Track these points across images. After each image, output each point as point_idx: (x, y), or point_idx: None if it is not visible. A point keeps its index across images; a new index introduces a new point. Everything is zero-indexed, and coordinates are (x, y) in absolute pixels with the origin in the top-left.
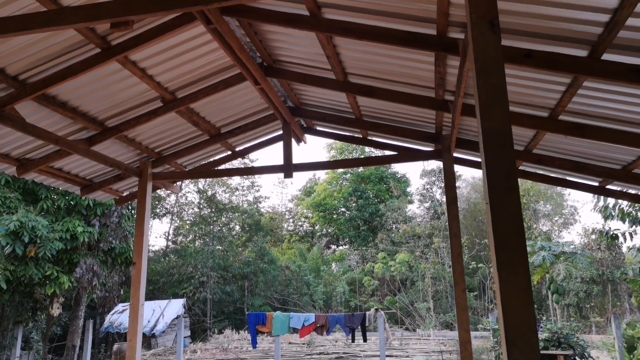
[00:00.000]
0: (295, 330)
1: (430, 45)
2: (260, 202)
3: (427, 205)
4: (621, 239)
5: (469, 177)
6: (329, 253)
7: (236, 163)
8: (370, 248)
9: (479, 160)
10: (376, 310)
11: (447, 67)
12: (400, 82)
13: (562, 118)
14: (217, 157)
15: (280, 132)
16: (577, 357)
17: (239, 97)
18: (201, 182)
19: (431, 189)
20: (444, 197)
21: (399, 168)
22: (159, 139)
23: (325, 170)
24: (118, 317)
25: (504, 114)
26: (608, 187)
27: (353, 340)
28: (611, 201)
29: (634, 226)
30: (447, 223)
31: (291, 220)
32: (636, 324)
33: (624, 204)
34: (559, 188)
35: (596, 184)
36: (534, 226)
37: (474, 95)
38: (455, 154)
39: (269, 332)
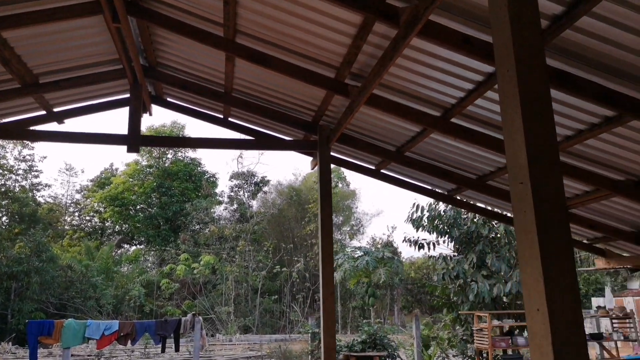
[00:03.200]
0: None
1: (366, 6)
2: (38, 190)
3: (234, 207)
4: (426, 248)
5: (275, 182)
6: (122, 252)
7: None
8: (171, 249)
9: (353, 160)
10: (194, 315)
11: (367, 43)
12: (300, 53)
13: (454, 120)
14: (22, 117)
15: (124, 95)
16: (388, 358)
17: (78, 37)
18: None
19: (239, 191)
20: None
21: (210, 167)
22: None
23: (128, 161)
24: None
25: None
26: (456, 196)
27: (163, 350)
28: (425, 214)
29: (439, 237)
30: (255, 226)
31: (77, 214)
32: (433, 325)
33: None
34: (348, 201)
35: (445, 192)
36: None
37: (500, 67)
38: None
39: (55, 343)
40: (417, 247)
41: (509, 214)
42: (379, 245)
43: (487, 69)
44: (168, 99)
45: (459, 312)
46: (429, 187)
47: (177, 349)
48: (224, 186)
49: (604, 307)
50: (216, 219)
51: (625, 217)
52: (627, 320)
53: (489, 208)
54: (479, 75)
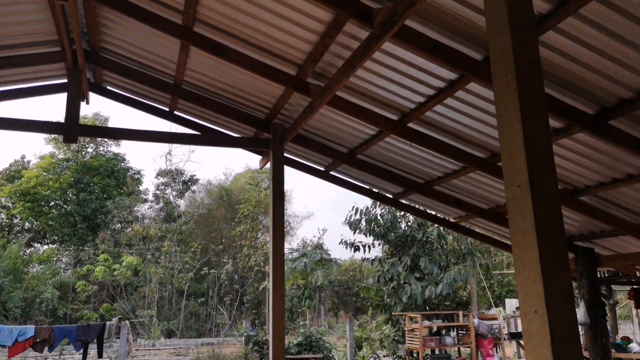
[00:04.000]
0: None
1: (342, 3)
2: None
3: (159, 206)
4: (362, 250)
5: (205, 181)
6: (32, 252)
7: None
8: (88, 249)
9: (301, 161)
10: (120, 319)
11: (335, 42)
12: (262, 47)
13: (410, 125)
14: None
15: (60, 80)
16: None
17: (15, 13)
18: None
19: (166, 189)
20: (180, 199)
21: (135, 163)
22: None
23: (42, 153)
24: None
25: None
26: (401, 200)
27: (85, 357)
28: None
29: (376, 240)
30: (182, 226)
31: None
32: (366, 326)
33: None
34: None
35: (391, 195)
36: (259, 236)
37: (497, 71)
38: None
39: None
40: (353, 249)
41: (450, 219)
42: (308, 248)
43: (449, 76)
44: (108, 87)
45: (392, 313)
46: (376, 190)
47: (100, 355)
48: (149, 184)
49: None
50: (140, 218)
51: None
52: None
53: (433, 212)
54: (441, 82)
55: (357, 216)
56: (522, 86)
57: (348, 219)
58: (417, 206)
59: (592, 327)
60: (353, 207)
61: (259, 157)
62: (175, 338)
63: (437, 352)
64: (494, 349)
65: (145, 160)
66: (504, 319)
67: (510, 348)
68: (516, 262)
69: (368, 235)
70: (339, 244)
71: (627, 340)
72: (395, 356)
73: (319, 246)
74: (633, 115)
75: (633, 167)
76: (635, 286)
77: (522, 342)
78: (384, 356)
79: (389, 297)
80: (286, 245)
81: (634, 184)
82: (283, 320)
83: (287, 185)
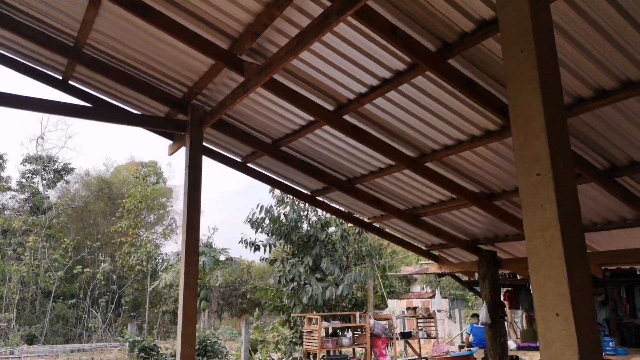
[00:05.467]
0: None
1: None
2: None
3: (25, 196)
4: (262, 249)
5: (82, 171)
6: None
7: None
8: None
9: (215, 149)
10: None
11: (281, 16)
12: (194, 13)
13: (346, 117)
14: None
15: None
16: None
17: None
18: None
19: (34, 177)
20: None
21: None
22: None
23: None
24: None
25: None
26: (318, 197)
27: None
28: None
29: (279, 240)
30: (52, 220)
31: None
32: (263, 329)
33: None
34: (163, 199)
35: (309, 192)
36: (143, 233)
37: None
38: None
39: None
40: (253, 249)
41: (365, 219)
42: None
43: (398, 67)
44: None
45: (292, 314)
46: (293, 185)
47: None
48: (13, 170)
49: (414, 309)
50: (0, 209)
51: (465, 227)
52: (431, 320)
53: (350, 212)
54: (388, 72)
55: (262, 214)
56: (542, 64)
57: (251, 217)
58: (332, 204)
59: (492, 326)
60: (258, 204)
61: (168, 143)
62: (39, 344)
63: (332, 353)
64: (387, 349)
65: (10, 143)
66: (396, 318)
67: (399, 347)
68: (532, 259)
69: (271, 234)
70: (239, 242)
71: None
72: (291, 358)
73: (208, 245)
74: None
75: None
76: (509, 288)
77: (409, 341)
78: (279, 359)
79: (289, 299)
80: (172, 244)
81: None
82: (194, 324)
83: (174, 181)
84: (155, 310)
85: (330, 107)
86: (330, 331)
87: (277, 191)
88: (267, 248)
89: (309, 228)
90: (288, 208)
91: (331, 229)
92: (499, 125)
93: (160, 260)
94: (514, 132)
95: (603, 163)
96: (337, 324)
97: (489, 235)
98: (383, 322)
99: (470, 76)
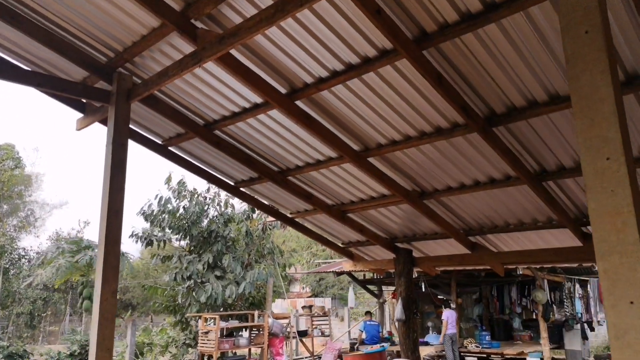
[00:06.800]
0: None
1: None
2: None
3: None
4: (155, 244)
5: None
6: None
7: None
8: None
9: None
10: None
11: None
12: None
13: (299, 103)
14: None
15: None
16: None
17: None
18: None
19: None
20: None
21: None
22: None
23: None
24: None
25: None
26: (242, 188)
27: None
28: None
29: (178, 235)
30: None
31: None
32: (152, 330)
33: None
34: (19, 188)
35: (233, 182)
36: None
37: (570, 29)
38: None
39: None
40: (145, 243)
41: (287, 214)
42: (62, 242)
43: (368, 52)
44: None
45: (186, 315)
46: (216, 174)
47: None
48: None
49: (309, 307)
50: None
51: (387, 224)
52: (326, 319)
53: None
54: (356, 58)
55: (159, 207)
56: (609, 45)
57: (145, 209)
58: (256, 197)
59: (406, 322)
60: (156, 195)
61: (78, 116)
62: None
63: (229, 354)
64: (283, 348)
65: None
66: (294, 317)
67: (291, 346)
68: (601, 245)
69: (168, 228)
70: (129, 237)
71: (391, 334)
72: None
73: (79, 241)
74: (513, 125)
75: (484, 175)
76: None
77: (303, 339)
78: None
79: (183, 298)
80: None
81: (476, 191)
82: (113, 325)
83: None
84: (7, 312)
85: (282, 90)
86: (226, 331)
87: (174, 183)
88: (162, 243)
89: (209, 223)
90: (186, 201)
91: (236, 225)
92: (451, 123)
93: (17, 256)
94: (577, 114)
95: (534, 166)
96: (235, 323)
97: (408, 233)
98: (282, 321)
99: (440, 71)
